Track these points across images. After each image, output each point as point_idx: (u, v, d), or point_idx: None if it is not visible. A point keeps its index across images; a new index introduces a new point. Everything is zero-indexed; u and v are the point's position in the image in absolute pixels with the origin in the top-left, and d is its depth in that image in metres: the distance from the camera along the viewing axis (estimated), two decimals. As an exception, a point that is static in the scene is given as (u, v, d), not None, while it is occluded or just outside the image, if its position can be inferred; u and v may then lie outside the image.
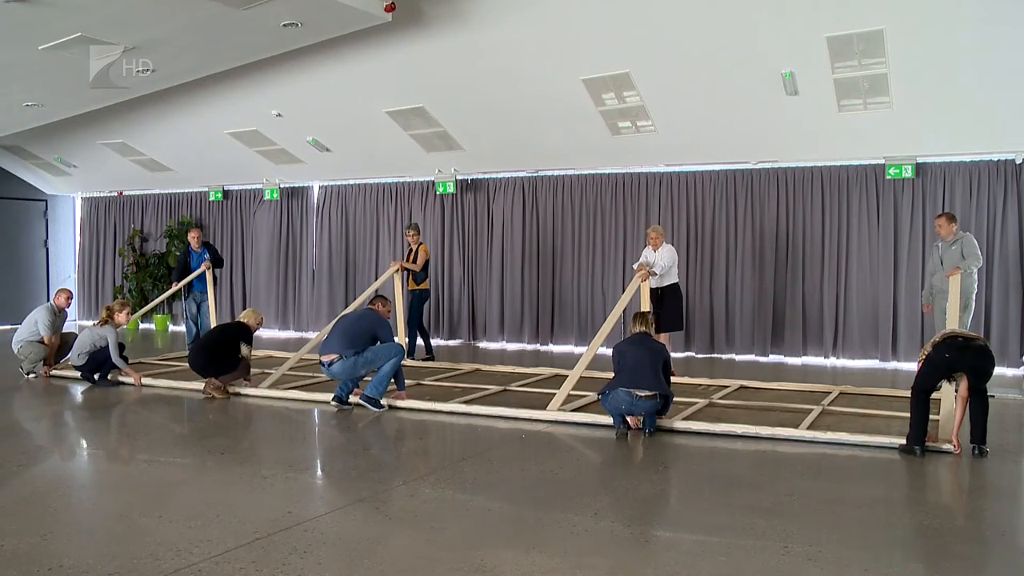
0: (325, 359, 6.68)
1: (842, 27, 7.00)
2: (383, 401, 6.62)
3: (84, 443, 5.99)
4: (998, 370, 7.74)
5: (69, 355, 8.13)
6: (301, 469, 4.95)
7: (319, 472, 4.87)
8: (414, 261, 9.22)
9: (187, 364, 7.68)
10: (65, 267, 14.87)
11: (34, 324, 8.28)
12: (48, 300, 13.59)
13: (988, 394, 6.89)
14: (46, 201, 14.51)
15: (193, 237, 10.40)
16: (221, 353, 7.31)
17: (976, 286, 7.40)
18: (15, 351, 8.32)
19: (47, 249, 14.52)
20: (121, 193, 14.25)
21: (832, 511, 4.14)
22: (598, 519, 4.00)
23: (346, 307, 6.82)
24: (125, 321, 8.09)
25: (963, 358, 5.22)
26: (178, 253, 12.88)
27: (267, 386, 7.41)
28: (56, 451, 5.66)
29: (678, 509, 4.35)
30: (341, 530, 3.83)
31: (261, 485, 4.68)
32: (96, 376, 7.83)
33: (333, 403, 6.73)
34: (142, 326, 13.28)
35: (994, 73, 7.22)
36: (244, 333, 7.47)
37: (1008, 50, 6.95)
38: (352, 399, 6.75)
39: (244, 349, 7.40)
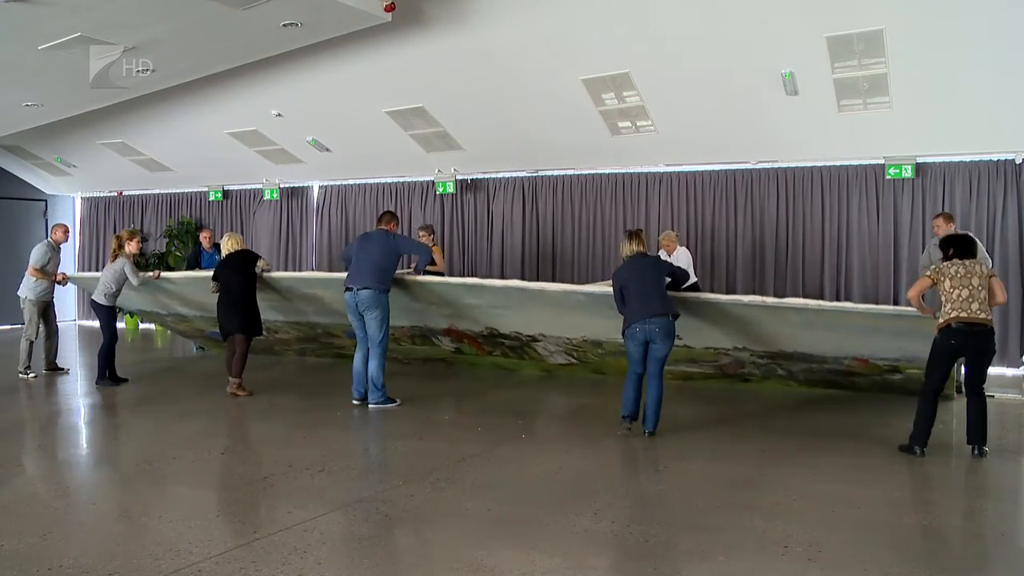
0: (354, 286, 6.70)
1: (842, 27, 7.00)
2: (390, 396, 6.82)
3: (84, 443, 5.99)
4: (999, 370, 7.76)
5: (94, 295, 7.98)
6: (301, 469, 4.95)
7: (319, 472, 4.87)
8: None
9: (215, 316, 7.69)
10: (65, 267, 14.83)
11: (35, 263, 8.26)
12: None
13: (988, 394, 6.93)
14: (46, 201, 14.51)
15: (205, 237, 10.58)
16: (250, 291, 7.40)
17: None
18: (20, 298, 8.27)
19: (47, 249, 14.52)
20: (121, 193, 14.25)
21: (832, 511, 4.14)
22: (598, 519, 4.00)
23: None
24: (135, 250, 8.09)
25: (967, 343, 5.22)
26: (178, 253, 12.91)
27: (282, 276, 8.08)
28: (56, 451, 5.66)
29: (678, 509, 4.35)
30: (341, 530, 3.83)
31: (261, 485, 4.68)
32: (97, 376, 7.83)
33: (356, 400, 6.84)
34: (142, 326, 13.27)
35: (994, 73, 7.21)
36: (249, 255, 7.59)
37: (1008, 50, 6.95)
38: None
39: (261, 263, 7.62)
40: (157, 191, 13.84)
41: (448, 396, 7.46)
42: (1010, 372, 8.48)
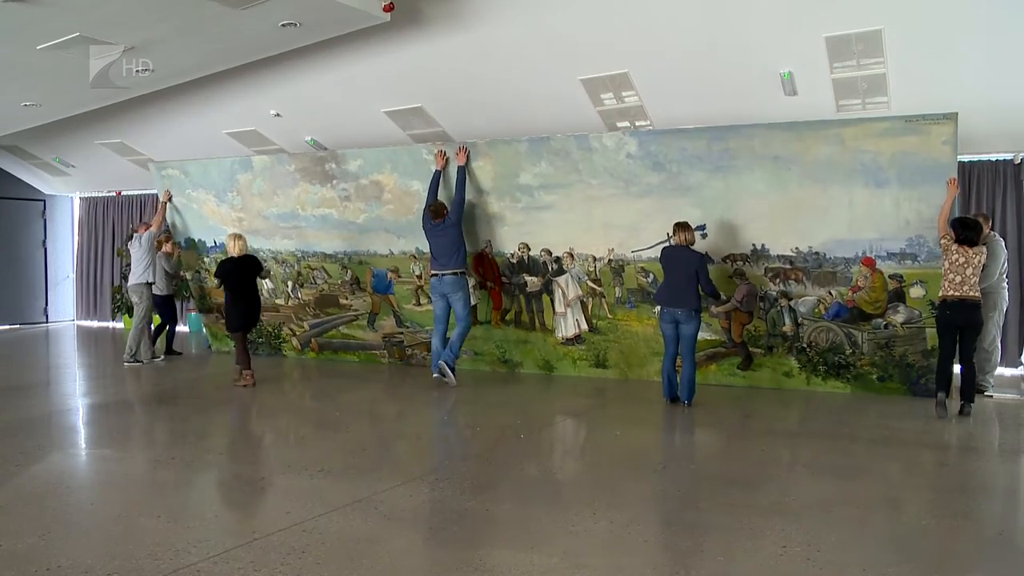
0: (440, 272, 7.74)
1: (841, 27, 7.00)
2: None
3: (83, 442, 5.98)
4: (999, 370, 7.77)
5: (155, 282, 9.36)
6: (300, 469, 4.94)
7: (319, 472, 4.87)
8: None
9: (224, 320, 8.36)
10: (63, 267, 14.85)
11: (141, 260, 9.22)
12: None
13: (988, 395, 7.01)
14: (44, 201, 14.50)
15: None
16: (257, 292, 8.14)
17: (1005, 287, 7.45)
18: (137, 286, 9.24)
19: (45, 249, 14.51)
20: (119, 193, 14.24)
21: (832, 511, 4.14)
22: (597, 519, 4.00)
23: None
24: (169, 250, 9.80)
25: (959, 316, 6.28)
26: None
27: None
28: (56, 450, 5.65)
29: (678, 509, 4.34)
30: (340, 530, 3.82)
31: (260, 485, 4.68)
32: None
33: (435, 375, 7.77)
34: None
35: (994, 73, 7.22)
36: (255, 263, 8.10)
37: (1007, 50, 6.95)
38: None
39: (265, 270, 8.42)
40: (156, 191, 13.80)
41: (447, 396, 7.46)
42: (1009, 372, 8.49)
